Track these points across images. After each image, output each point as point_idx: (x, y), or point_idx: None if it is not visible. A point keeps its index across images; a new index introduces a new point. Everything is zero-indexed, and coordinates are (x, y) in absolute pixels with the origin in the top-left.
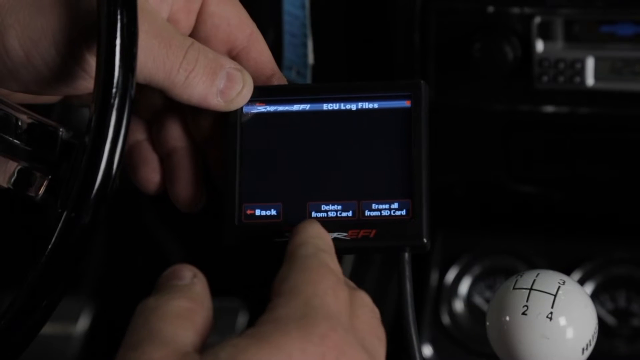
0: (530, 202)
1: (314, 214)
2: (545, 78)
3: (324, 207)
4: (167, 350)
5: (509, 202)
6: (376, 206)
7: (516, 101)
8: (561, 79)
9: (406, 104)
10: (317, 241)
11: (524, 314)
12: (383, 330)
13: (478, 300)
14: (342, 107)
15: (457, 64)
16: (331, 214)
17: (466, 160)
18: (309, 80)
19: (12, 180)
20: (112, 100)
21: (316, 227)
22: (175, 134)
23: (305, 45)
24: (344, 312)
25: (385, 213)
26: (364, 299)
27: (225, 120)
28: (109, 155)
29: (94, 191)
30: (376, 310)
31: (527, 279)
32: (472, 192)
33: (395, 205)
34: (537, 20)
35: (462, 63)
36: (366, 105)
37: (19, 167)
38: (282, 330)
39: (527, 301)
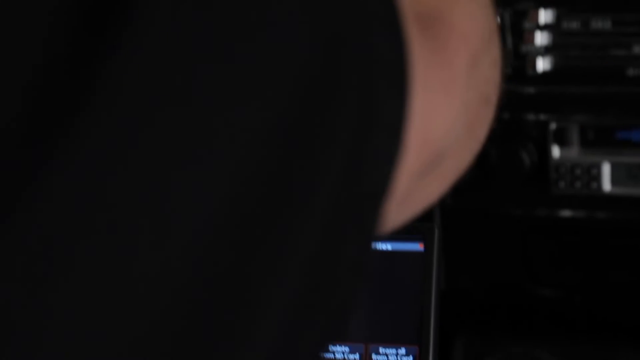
0: (551, 304)
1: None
2: (562, 183)
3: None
4: None
5: (529, 304)
6: (383, 350)
7: (533, 206)
8: (578, 184)
9: (419, 247)
10: None
11: None
12: None
13: None
14: None
15: (474, 168)
16: (338, 356)
17: (485, 263)
18: None
19: None
20: None
21: None
22: None
23: None
24: None
25: (392, 359)
26: None
27: None
28: None
29: None
30: None
31: None
32: (492, 295)
33: (403, 351)
34: (553, 126)
35: (478, 167)
36: (380, 245)
37: None
38: None
39: None
